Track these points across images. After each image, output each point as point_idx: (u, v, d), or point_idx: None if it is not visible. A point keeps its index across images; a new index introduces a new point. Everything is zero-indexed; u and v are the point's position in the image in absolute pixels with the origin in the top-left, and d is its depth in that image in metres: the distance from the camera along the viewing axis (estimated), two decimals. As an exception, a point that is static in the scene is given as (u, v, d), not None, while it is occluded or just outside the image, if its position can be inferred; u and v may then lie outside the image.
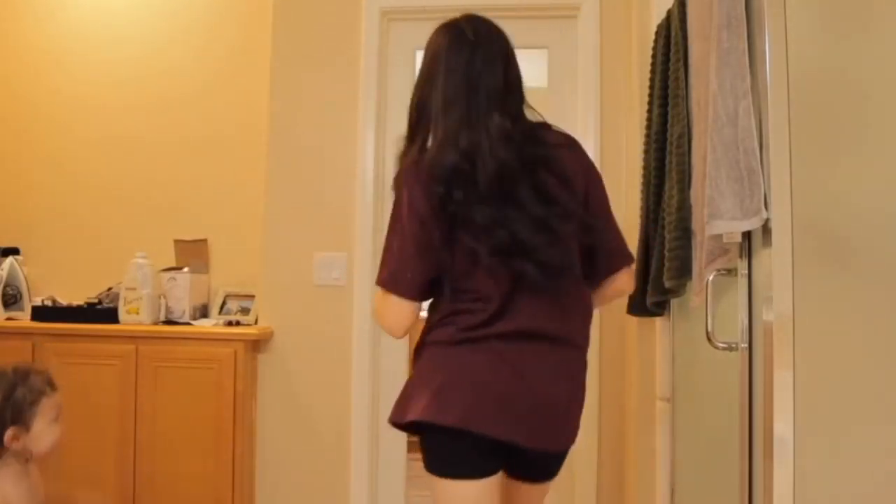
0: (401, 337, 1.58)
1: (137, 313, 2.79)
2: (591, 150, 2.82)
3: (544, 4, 2.90)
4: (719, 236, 1.50)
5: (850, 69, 1.42)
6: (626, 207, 2.68)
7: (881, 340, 1.39)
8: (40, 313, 2.86)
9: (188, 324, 2.83)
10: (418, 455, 1.55)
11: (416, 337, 1.59)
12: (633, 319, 2.49)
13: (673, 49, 1.94)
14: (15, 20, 3.25)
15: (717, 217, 1.46)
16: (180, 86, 3.12)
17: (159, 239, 2.93)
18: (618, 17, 2.81)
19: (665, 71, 2.04)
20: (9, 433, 1.61)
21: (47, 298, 2.97)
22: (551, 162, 1.52)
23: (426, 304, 1.59)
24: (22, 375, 1.67)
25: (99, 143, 3.17)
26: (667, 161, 1.99)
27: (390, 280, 1.50)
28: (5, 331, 2.76)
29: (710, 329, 1.58)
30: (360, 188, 2.85)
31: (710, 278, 1.57)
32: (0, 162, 3.23)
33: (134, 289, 2.79)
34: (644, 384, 2.44)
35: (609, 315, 2.74)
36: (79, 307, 2.89)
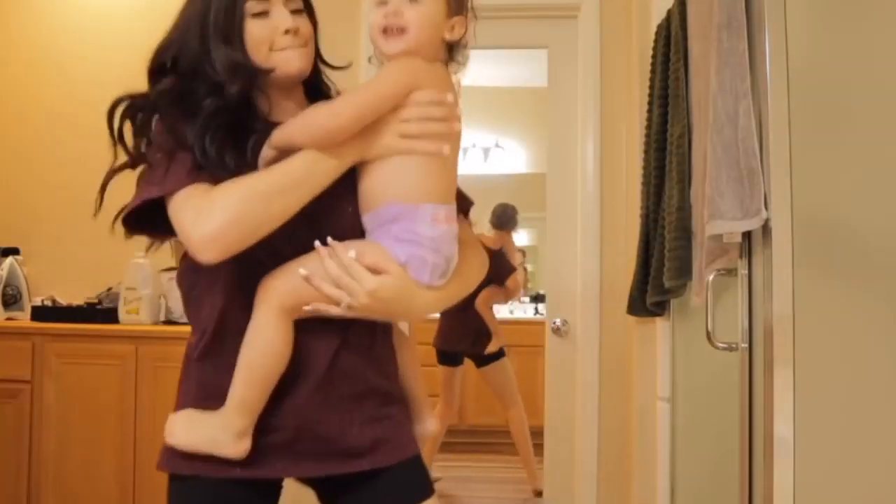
0: None
1: (137, 313, 2.78)
2: (591, 150, 2.82)
3: (544, 4, 2.89)
4: (719, 236, 1.50)
5: (851, 69, 1.42)
6: (626, 207, 2.68)
7: (881, 340, 1.39)
8: (40, 313, 2.86)
9: (188, 324, 2.83)
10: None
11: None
12: (633, 319, 2.49)
13: (673, 49, 1.94)
14: (16, 22, 3.25)
15: (717, 217, 1.46)
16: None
17: (159, 239, 2.93)
18: (618, 17, 2.81)
19: (665, 71, 2.04)
20: None
21: (47, 298, 2.96)
22: None
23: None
24: None
25: (99, 143, 3.17)
26: (667, 161, 1.99)
27: None
28: (5, 331, 2.76)
29: (710, 329, 1.58)
30: (360, 188, 2.85)
31: (710, 278, 1.57)
32: (0, 162, 3.23)
33: (134, 289, 2.79)
34: (644, 384, 2.44)
35: (609, 315, 2.75)
36: (79, 307, 2.89)
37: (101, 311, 2.85)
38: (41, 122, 3.21)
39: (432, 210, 1.10)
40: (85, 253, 3.11)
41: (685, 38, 1.88)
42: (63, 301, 2.96)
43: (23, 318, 2.91)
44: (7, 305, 2.94)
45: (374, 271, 1.06)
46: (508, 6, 2.86)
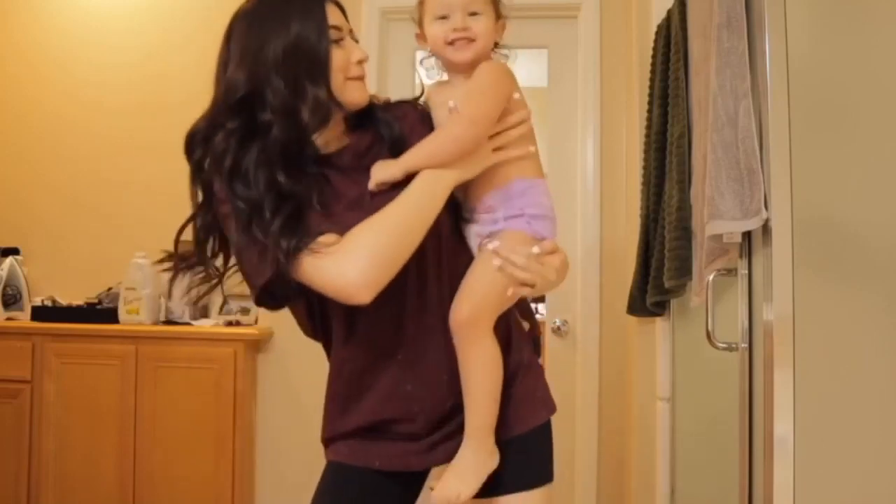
0: None
1: (137, 313, 2.78)
2: (590, 150, 2.82)
3: (544, 4, 2.89)
4: (719, 236, 1.50)
5: (850, 69, 1.43)
6: (626, 207, 2.68)
7: (881, 340, 1.39)
8: (40, 313, 2.86)
9: (188, 324, 2.83)
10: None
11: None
12: (633, 319, 2.49)
13: (673, 49, 1.94)
14: (17, 22, 3.25)
15: (717, 217, 1.46)
16: (181, 88, 3.10)
17: (159, 239, 2.92)
18: (618, 17, 2.81)
19: (665, 71, 2.05)
20: None
21: (47, 298, 2.96)
22: None
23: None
24: None
25: (99, 143, 3.17)
26: (667, 161, 1.99)
27: None
28: (5, 331, 2.76)
29: (710, 329, 1.58)
30: (360, 188, 2.85)
31: (710, 278, 1.57)
32: (0, 162, 3.23)
33: (134, 289, 2.79)
34: (644, 384, 2.44)
35: (609, 315, 2.75)
36: (79, 307, 2.89)
37: (101, 311, 2.85)
38: (41, 122, 3.21)
39: (545, 183, 1.28)
40: (85, 253, 3.11)
41: (685, 38, 1.88)
42: (63, 301, 2.96)
43: (23, 318, 2.91)
44: (7, 305, 2.94)
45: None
46: (508, 6, 2.86)
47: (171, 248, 1.28)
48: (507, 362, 1.24)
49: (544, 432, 1.32)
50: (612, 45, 2.82)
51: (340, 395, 1.28)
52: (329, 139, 1.22)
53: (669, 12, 2.03)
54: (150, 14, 3.17)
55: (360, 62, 1.18)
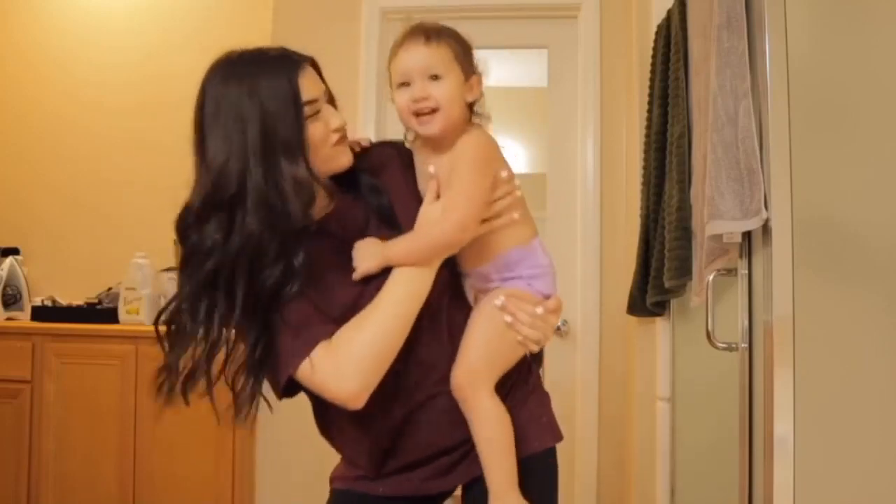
0: None
1: (137, 313, 2.78)
2: (590, 150, 2.82)
3: (544, 4, 2.89)
4: (719, 236, 1.50)
5: (850, 69, 1.43)
6: (626, 207, 2.68)
7: (881, 340, 1.39)
8: (40, 313, 2.85)
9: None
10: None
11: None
12: (633, 319, 2.49)
13: (673, 49, 1.95)
14: (16, 22, 3.25)
15: (717, 217, 1.46)
16: (181, 88, 3.05)
17: (159, 239, 2.92)
18: (618, 17, 2.81)
19: (665, 71, 2.05)
20: None
21: (47, 298, 2.96)
22: None
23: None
24: None
25: (99, 143, 3.17)
26: (667, 161, 1.99)
27: None
28: (5, 331, 2.76)
29: (710, 329, 1.58)
30: (360, 188, 2.85)
31: (710, 278, 1.57)
32: (0, 162, 3.23)
33: (134, 289, 2.79)
34: (644, 384, 2.44)
35: (609, 315, 2.75)
36: (79, 307, 2.89)
37: (101, 311, 2.85)
38: (41, 122, 3.21)
39: (539, 241, 1.24)
40: (85, 253, 3.11)
41: (685, 38, 1.88)
42: (63, 301, 2.96)
43: (23, 318, 2.91)
44: (7, 305, 2.94)
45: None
46: (508, 6, 2.86)
47: (169, 248, 1.26)
48: (513, 389, 1.25)
49: (547, 459, 1.30)
50: (612, 45, 2.82)
51: (344, 451, 1.30)
52: (317, 208, 1.18)
53: (669, 12, 2.03)
54: (150, 14, 3.17)
55: (338, 130, 1.14)
